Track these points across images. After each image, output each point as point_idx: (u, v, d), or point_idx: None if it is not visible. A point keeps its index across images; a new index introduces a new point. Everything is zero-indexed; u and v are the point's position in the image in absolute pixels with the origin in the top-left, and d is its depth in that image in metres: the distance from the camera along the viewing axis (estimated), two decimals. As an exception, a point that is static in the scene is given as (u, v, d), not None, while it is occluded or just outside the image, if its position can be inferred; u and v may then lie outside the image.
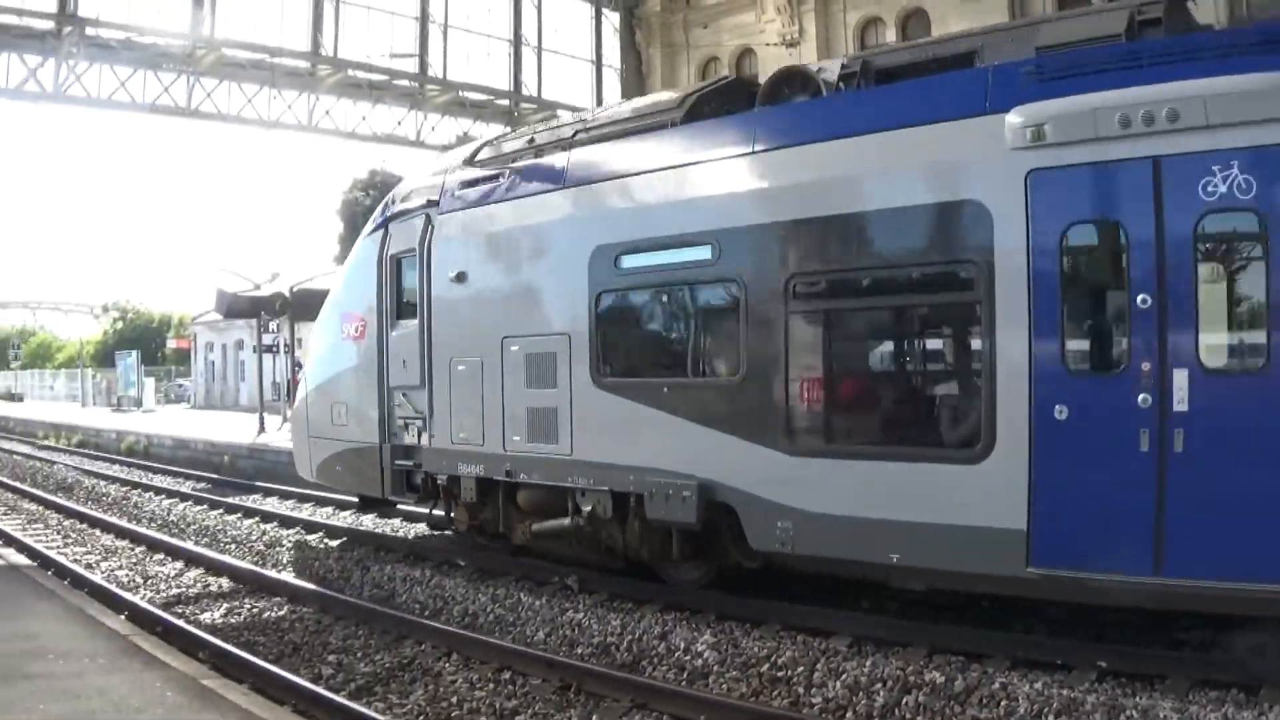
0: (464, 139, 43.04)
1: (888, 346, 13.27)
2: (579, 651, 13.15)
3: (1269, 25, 10.55)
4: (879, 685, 10.81)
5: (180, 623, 14.67)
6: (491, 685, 12.07)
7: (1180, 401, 10.16)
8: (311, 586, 17.11)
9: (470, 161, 17.81)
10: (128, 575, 18.98)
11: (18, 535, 22.08)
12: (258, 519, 23.43)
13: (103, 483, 31.97)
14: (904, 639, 11.91)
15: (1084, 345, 11.08)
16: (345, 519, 21.79)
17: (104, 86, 40.89)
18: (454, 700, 11.66)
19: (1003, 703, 10.11)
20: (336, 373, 19.90)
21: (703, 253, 13.73)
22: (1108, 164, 10.73)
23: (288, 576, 18.12)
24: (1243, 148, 9.91)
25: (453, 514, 18.05)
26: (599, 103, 50.71)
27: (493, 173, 17.05)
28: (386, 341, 18.43)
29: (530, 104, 49.46)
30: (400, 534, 20.19)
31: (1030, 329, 10.96)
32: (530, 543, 16.63)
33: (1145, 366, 10.36)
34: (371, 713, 10.87)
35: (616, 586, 15.13)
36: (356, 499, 21.83)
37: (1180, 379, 10.17)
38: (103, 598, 15.93)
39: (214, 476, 31.22)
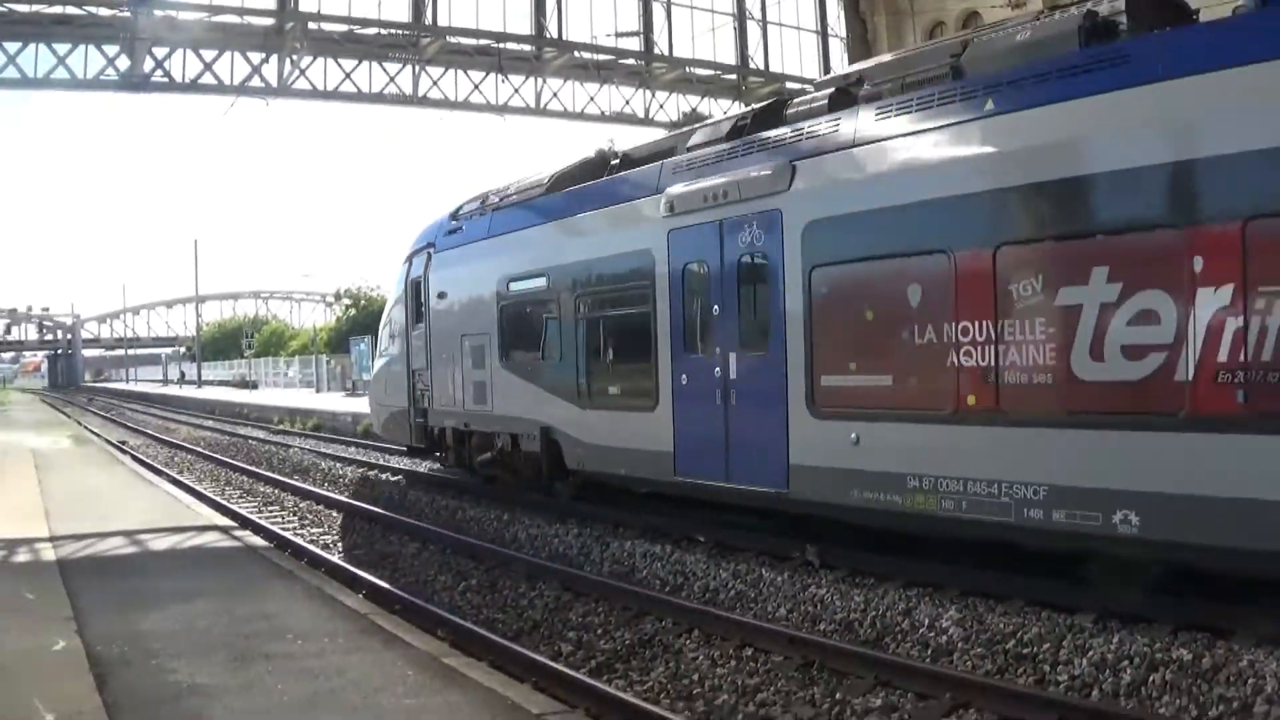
0: (691, 116, 43.26)
1: (617, 337, 19.95)
2: (821, 628, 13.14)
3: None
4: (1125, 662, 10.58)
5: (419, 601, 15.04)
6: (733, 662, 12.13)
7: (732, 373, 16.84)
8: (551, 564, 17.52)
9: (454, 216, 26.35)
10: (365, 554, 19.63)
11: (254, 518, 22.91)
12: (489, 500, 23.87)
13: (339, 465, 32.99)
14: (1149, 614, 11.64)
15: (693, 337, 17.82)
16: (576, 502, 22.07)
17: (329, 79, 42.36)
18: (695, 678, 11.73)
19: (1250, 681, 9.75)
20: (388, 360, 29.66)
21: (542, 281, 21.74)
22: (700, 224, 17.48)
23: (526, 554, 18.55)
24: (757, 212, 16.31)
25: (446, 452, 26.80)
26: (825, 74, 50.44)
27: (461, 225, 25.71)
28: (410, 338, 27.48)
29: (758, 78, 49.49)
30: (637, 511, 20.43)
31: (670, 327, 18.15)
32: (480, 469, 24.75)
33: (717, 350, 17.19)
34: (613, 690, 10.97)
35: (859, 562, 15.07)
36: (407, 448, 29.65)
37: (732, 358, 16.89)
38: (341, 577, 16.36)
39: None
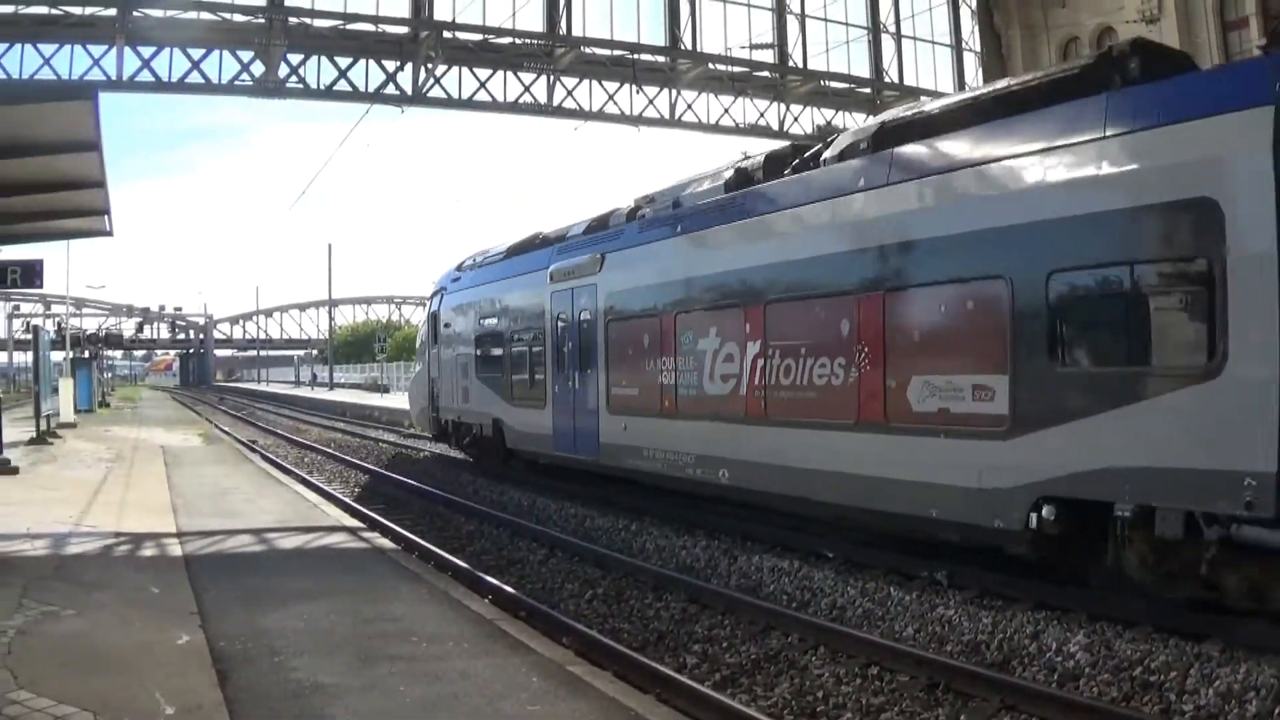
0: (825, 129, 43.05)
1: (529, 360, 29.32)
2: (948, 649, 13.11)
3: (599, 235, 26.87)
4: (1251, 694, 10.44)
5: (544, 607, 15.20)
6: (858, 680, 12.09)
7: (577, 385, 26.04)
8: (678, 575, 17.60)
9: (458, 268, 36.55)
10: (492, 560, 19.85)
11: (382, 519, 23.16)
12: (618, 510, 24.12)
13: (466, 472, 33.32)
14: (1277, 645, 11.42)
15: (561, 362, 27.09)
16: (698, 515, 22.20)
17: (464, 88, 43.07)
18: (820, 695, 11.71)
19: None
20: (419, 372, 40.90)
21: (494, 320, 31.71)
22: (564, 290, 26.59)
23: (653, 564, 18.67)
24: (587, 284, 25.55)
25: (449, 438, 37.13)
26: (961, 88, 50.06)
27: (461, 275, 35.99)
28: (429, 356, 38.18)
29: (893, 91, 49.09)
30: (765, 524, 20.52)
31: (552, 355, 27.60)
32: (465, 449, 35.62)
33: (569, 371, 26.47)
34: (737, 705, 11.01)
35: (988, 583, 14.99)
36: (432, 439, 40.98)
37: (576, 376, 26.05)
38: (467, 581, 16.52)
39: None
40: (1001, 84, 17.64)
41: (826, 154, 19.24)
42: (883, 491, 16.47)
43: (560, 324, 27.19)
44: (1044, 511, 13.72)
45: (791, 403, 18.54)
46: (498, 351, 31.40)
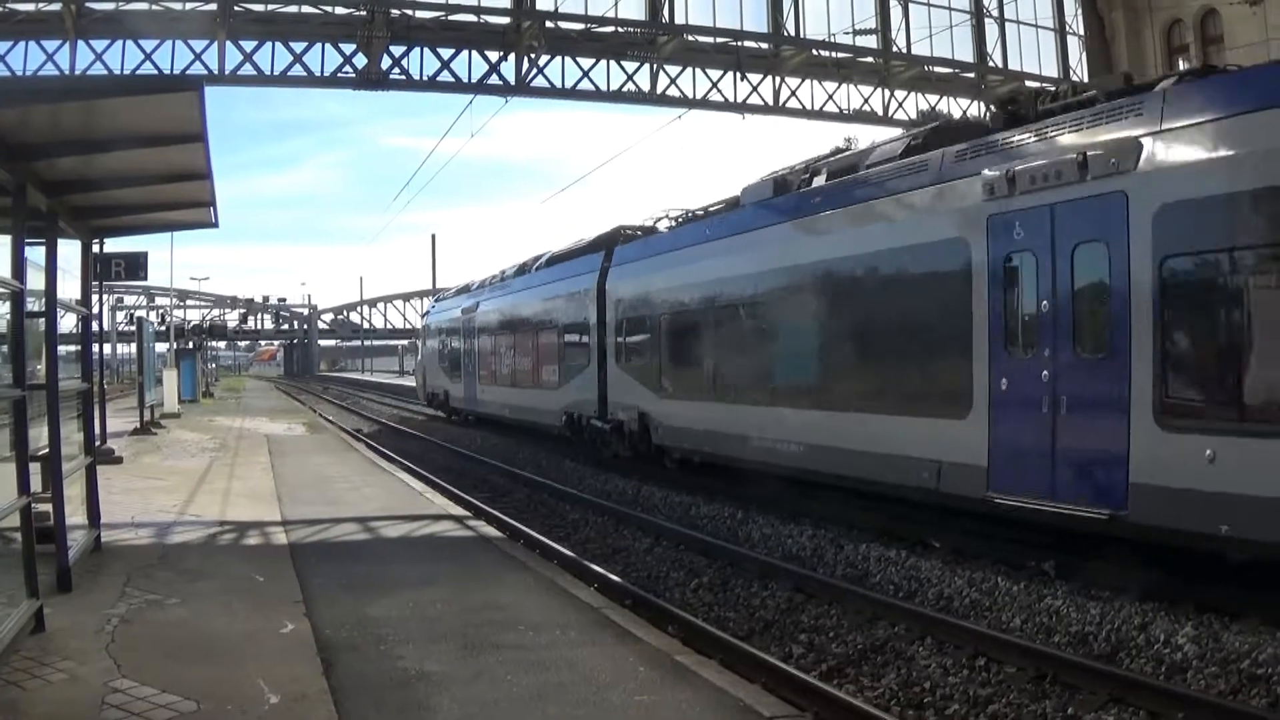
0: (929, 115, 42.72)
1: (458, 353, 53.86)
2: (1055, 640, 13.01)
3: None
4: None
5: (650, 596, 15.33)
6: (965, 671, 12.09)
7: (469, 371, 51.87)
8: (784, 564, 17.57)
9: (437, 299, 69.75)
10: (597, 548, 20.02)
11: (487, 508, 23.43)
12: (723, 498, 24.04)
13: (569, 460, 33.50)
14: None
15: (471, 358, 50.87)
16: (807, 505, 22.16)
17: (567, 77, 43.21)
18: (926, 685, 11.73)
19: None
20: (418, 362, 69.54)
21: (445, 332, 56.62)
22: (469, 317, 51.05)
23: (759, 553, 18.66)
24: (475, 315, 49.65)
25: (435, 408, 59.95)
26: (1064, 74, 49.47)
27: (435, 304, 66.53)
28: (420, 353, 68.53)
29: (997, 76, 48.50)
30: (871, 513, 20.49)
31: (468, 354, 51.08)
32: (439, 410, 57.83)
33: (462, 360, 52.51)
34: (844, 695, 11.05)
35: (1095, 573, 14.83)
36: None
37: (469, 366, 51.34)
38: (573, 570, 16.55)
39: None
40: (574, 243, 38.66)
41: (539, 262, 41.08)
42: (540, 415, 38.05)
43: (468, 337, 49.84)
44: (565, 420, 34.85)
45: (522, 377, 40.69)
46: (445, 351, 55.37)
